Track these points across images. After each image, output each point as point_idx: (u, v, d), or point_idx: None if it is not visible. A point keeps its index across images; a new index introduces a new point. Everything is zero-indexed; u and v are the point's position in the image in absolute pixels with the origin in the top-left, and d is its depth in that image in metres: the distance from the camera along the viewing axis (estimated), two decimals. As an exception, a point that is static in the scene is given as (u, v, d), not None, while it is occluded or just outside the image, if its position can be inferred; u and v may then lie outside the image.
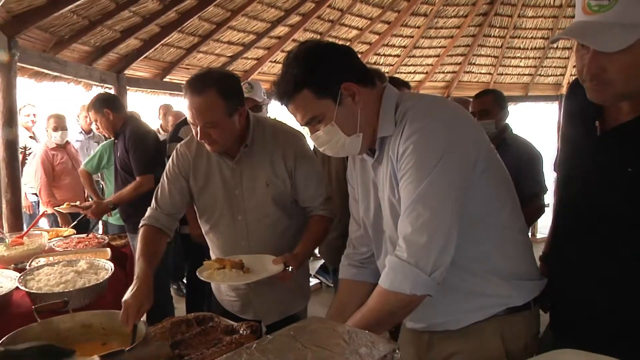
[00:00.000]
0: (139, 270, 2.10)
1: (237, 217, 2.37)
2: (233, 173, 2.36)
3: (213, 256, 2.51)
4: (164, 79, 8.30)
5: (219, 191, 2.37)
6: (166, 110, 7.19)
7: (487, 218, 1.58)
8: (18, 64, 5.04)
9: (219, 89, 2.14)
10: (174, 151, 2.48)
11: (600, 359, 1.29)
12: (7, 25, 5.01)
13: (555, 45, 10.52)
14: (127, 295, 1.97)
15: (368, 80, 1.62)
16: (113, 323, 1.95)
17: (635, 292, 1.43)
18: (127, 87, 7.60)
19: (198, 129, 2.17)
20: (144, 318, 1.95)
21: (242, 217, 2.37)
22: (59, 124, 5.84)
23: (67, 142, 6.09)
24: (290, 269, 2.17)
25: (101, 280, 2.50)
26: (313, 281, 5.46)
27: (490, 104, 3.73)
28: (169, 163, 2.48)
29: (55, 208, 4.71)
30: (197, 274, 2.21)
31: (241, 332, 1.99)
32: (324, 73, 1.56)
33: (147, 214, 2.42)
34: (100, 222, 5.20)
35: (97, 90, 7.18)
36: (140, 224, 2.40)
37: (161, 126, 7.08)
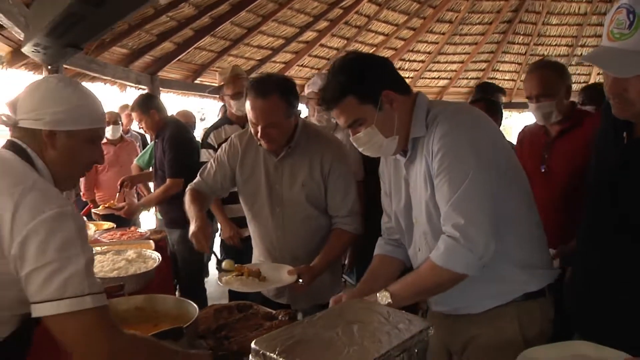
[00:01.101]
0: (194, 212, 2.51)
1: (275, 209, 2.59)
2: (276, 169, 2.57)
3: (254, 244, 2.77)
4: (195, 81, 8.54)
5: (262, 183, 2.59)
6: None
7: (509, 214, 1.75)
8: (64, 65, 5.25)
9: (281, 93, 2.37)
10: (228, 140, 2.72)
11: (611, 352, 1.42)
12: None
13: (579, 53, 10.53)
14: (193, 229, 2.42)
15: (404, 89, 1.82)
16: (163, 306, 2.12)
17: None
18: (160, 89, 7.83)
19: (259, 128, 2.39)
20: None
21: (279, 209, 2.58)
22: (111, 119, 5.70)
23: (122, 138, 5.96)
24: (301, 282, 2.36)
25: (150, 268, 2.72)
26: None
27: None
28: (220, 149, 2.74)
29: (93, 210, 4.72)
30: (217, 279, 2.44)
31: (280, 318, 2.15)
32: (367, 82, 1.75)
33: (193, 181, 2.75)
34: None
35: (131, 91, 7.42)
36: (187, 188, 2.73)
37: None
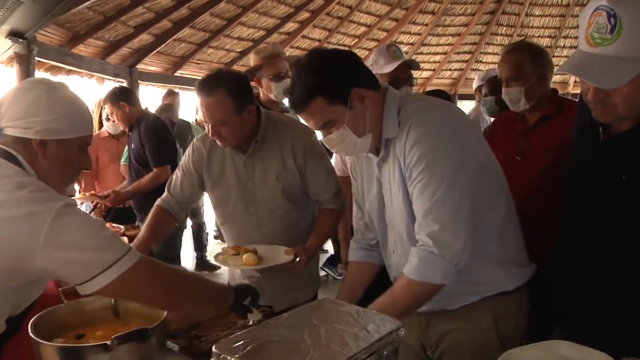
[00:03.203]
0: (139, 237, 2.43)
1: (249, 209, 2.50)
2: (245, 167, 2.48)
3: (229, 244, 2.62)
4: (175, 74, 8.46)
5: (233, 184, 2.50)
6: None
7: (486, 211, 1.70)
8: (36, 58, 5.17)
9: (228, 89, 2.27)
10: (190, 145, 2.62)
11: (591, 352, 1.37)
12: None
13: (562, 44, 10.57)
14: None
15: (373, 84, 1.74)
16: (135, 305, 2.00)
17: (633, 301, 1.49)
18: (139, 81, 7.75)
19: (209, 126, 2.31)
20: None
21: (254, 209, 2.49)
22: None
23: (123, 133, 5.52)
24: (298, 260, 2.30)
25: (122, 266, 2.62)
26: (319, 273, 5.59)
27: None
28: (184, 156, 2.63)
29: (74, 197, 4.71)
30: (213, 258, 2.38)
31: (250, 324, 2.09)
32: (335, 81, 1.67)
33: (161, 197, 2.62)
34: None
35: (110, 84, 7.31)
36: (155, 204, 2.61)
37: None
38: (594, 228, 1.58)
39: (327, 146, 1.80)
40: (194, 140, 2.62)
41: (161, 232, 2.56)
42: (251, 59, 3.36)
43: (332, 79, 1.66)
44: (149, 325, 1.70)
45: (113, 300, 2.02)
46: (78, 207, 1.51)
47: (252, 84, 3.09)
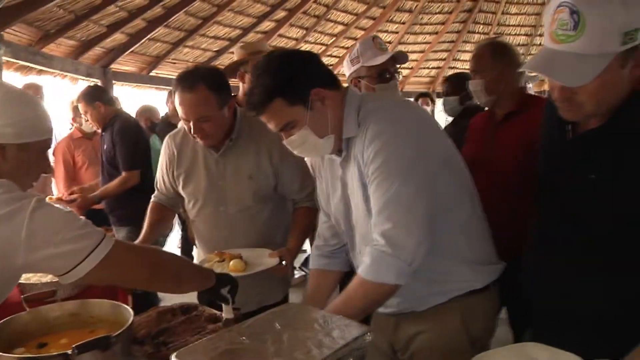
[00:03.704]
0: (142, 234, 2.48)
1: (219, 208, 2.46)
2: (217, 165, 2.43)
3: (199, 245, 2.64)
4: (150, 73, 8.35)
5: (203, 182, 2.46)
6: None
7: (451, 209, 1.68)
8: (4, 58, 5.06)
9: (209, 84, 2.23)
10: (164, 143, 2.59)
11: (562, 354, 1.36)
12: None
13: (538, 42, 10.66)
14: None
15: (333, 83, 1.72)
16: (101, 311, 1.98)
17: (602, 303, 1.48)
18: (114, 81, 7.63)
19: (191, 124, 2.25)
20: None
21: (224, 208, 2.45)
22: (77, 113, 5.09)
23: (95, 133, 5.33)
24: (284, 263, 2.27)
25: (89, 271, 2.56)
26: (298, 273, 5.55)
27: None
28: (161, 155, 2.61)
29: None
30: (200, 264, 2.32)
31: (223, 320, 2.06)
32: (295, 81, 1.64)
33: (154, 194, 2.67)
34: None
35: (84, 84, 7.19)
36: (151, 200, 2.66)
37: None
38: (563, 228, 1.56)
39: (288, 148, 1.76)
40: (166, 137, 2.59)
41: (162, 226, 2.63)
42: (235, 53, 3.29)
43: (291, 79, 1.64)
44: (116, 332, 1.68)
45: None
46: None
47: (235, 80, 3.03)
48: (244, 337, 1.25)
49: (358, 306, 1.60)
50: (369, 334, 1.28)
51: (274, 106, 1.64)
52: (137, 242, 2.42)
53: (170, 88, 8.19)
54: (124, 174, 4.17)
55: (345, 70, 2.82)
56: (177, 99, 2.26)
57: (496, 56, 2.61)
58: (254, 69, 1.70)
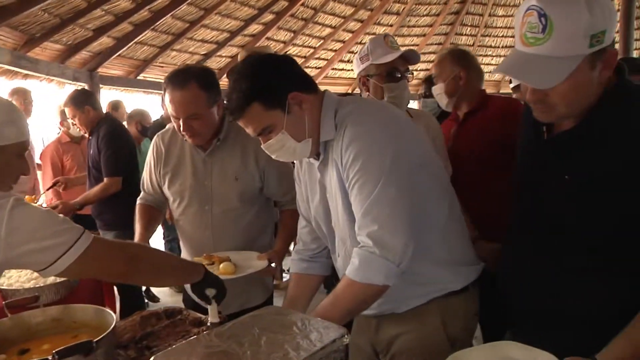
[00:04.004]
0: (137, 233, 2.48)
1: (204, 207, 2.47)
2: (204, 165, 2.45)
3: (183, 245, 2.64)
4: (138, 77, 8.31)
5: (189, 180, 2.47)
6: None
7: (430, 211, 1.69)
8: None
9: (199, 82, 2.25)
10: (152, 142, 2.60)
11: (537, 352, 1.37)
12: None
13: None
14: None
15: (311, 87, 1.72)
16: (84, 316, 1.98)
17: (576, 302, 1.49)
18: (101, 85, 7.59)
19: (180, 121, 2.27)
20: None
21: (209, 207, 2.46)
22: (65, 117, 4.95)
23: (83, 137, 5.31)
24: (273, 265, 2.29)
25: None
26: (286, 277, 5.56)
27: None
28: (147, 155, 2.62)
29: None
30: None
31: (208, 324, 2.06)
32: (272, 86, 1.65)
33: (140, 195, 2.68)
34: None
35: (70, 88, 7.15)
36: (137, 202, 2.67)
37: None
38: (540, 229, 1.57)
39: (267, 152, 1.77)
40: (155, 137, 2.61)
41: (153, 226, 2.61)
42: (240, 56, 3.33)
43: (269, 84, 1.64)
44: (99, 336, 1.67)
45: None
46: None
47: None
48: (221, 341, 1.25)
49: (347, 307, 1.60)
50: (346, 336, 1.28)
51: (251, 110, 1.64)
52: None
53: (159, 92, 8.31)
54: (105, 180, 4.13)
55: (354, 68, 2.80)
56: (167, 97, 2.27)
57: (454, 61, 2.77)
58: (232, 74, 1.71)
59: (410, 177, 1.60)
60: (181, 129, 2.29)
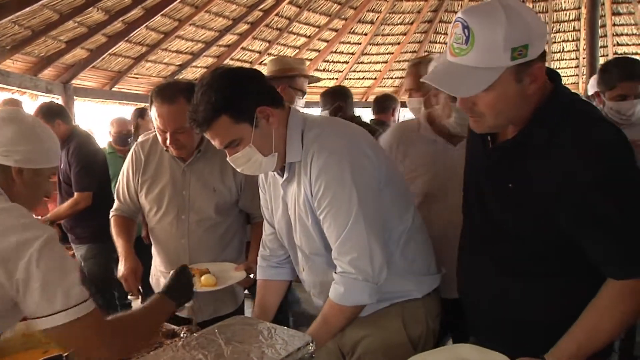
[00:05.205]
0: (121, 247, 2.44)
1: (180, 216, 2.49)
2: (183, 175, 2.47)
3: (155, 253, 2.65)
4: (113, 89, 8.26)
5: (167, 189, 2.49)
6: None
7: (392, 225, 1.74)
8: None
9: (187, 97, 2.24)
10: (131, 151, 2.61)
11: (491, 354, 1.42)
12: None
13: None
14: (120, 270, 2.34)
15: (278, 102, 1.73)
16: None
17: (525, 306, 1.54)
18: (75, 97, 7.52)
19: (167, 135, 2.29)
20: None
21: (185, 216, 2.48)
22: None
23: None
24: (252, 276, 2.30)
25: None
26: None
27: None
28: (124, 164, 2.62)
29: None
30: None
31: (181, 335, 2.06)
32: (241, 99, 1.65)
33: (114, 206, 2.66)
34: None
35: (44, 100, 7.07)
36: (110, 215, 2.65)
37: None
38: (488, 236, 1.61)
39: (232, 165, 1.77)
40: (134, 146, 2.63)
41: (132, 237, 2.59)
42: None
43: (238, 97, 1.64)
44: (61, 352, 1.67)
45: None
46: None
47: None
48: (187, 351, 1.27)
49: (339, 327, 1.72)
50: (311, 344, 1.31)
51: (219, 123, 1.64)
52: (121, 260, 2.40)
53: (135, 103, 8.27)
54: (75, 195, 4.08)
55: None
56: (155, 110, 2.29)
57: None
58: (199, 85, 1.69)
59: (376, 202, 1.67)
60: (167, 141, 2.31)
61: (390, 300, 1.80)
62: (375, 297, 1.67)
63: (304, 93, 3.16)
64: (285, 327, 1.40)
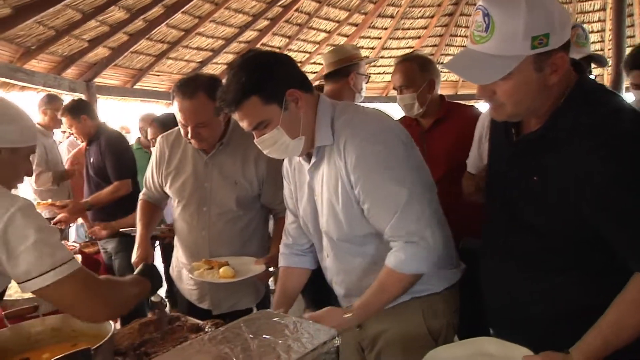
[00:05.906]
0: (138, 233, 2.54)
1: (202, 208, 2.53)
2: (205, 167, 2.52)
3: (177, 244, 2.71)
4: (135, 86, 8.34)
5: (189, 181, 2.54)
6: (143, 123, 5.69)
7: None
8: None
9: (208, 92, 2.30)
10: (156, 144, 2.69)
11: (512, 347, 1.43)
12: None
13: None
14: (133, 257, 2.43)
15: (308, 87, 1.75)
16: (83, 325, 1.98)
17: (547, 300, 1.53)
18: (98, 95, 7.61)
19: (189, 129, 2.34)
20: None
21: (207, 208, 2.52)
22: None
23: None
24: (272, 269, 2.35)
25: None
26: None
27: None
28: (152, 154, 2.72)
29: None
30: (188, 274, 2.46)
31: (206, 330, 2.08)
32: (271, 80, 1.67)
33: (142, 190, 2.78)
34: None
35: (67, 99, 7.16)
36: (139, 198, 2.78)
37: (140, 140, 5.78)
38: (511, 231, 1.60)
39: (259, 147, 1.79)
40: (158, 138, 2.70)
41: (153, 222, 2.72)
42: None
43: (269, 78, 1.66)
44: (90, 345, 1.69)
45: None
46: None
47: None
48: (213, 345, 1.28)
49: (395, 295, 1.72)
50: (337, 338, 1.31)
51: (249, 104, 1.66)
52: (136, 242, 2.51)
53: (156, 100, 8.35)
54: (115, 183, 4.23)
55: None
56: (176, 105, 2.34)
57: (424, 69, 2.81)
58: (230, 67, 1.73)
59: (420, 178, 1.72)
60: (189, 135, 2.36)
61: (411, 294, 1.79)
62: (436, 268, 1.68)
63: (368, 77, 3.20)
64: (311, 321, 1.40)
